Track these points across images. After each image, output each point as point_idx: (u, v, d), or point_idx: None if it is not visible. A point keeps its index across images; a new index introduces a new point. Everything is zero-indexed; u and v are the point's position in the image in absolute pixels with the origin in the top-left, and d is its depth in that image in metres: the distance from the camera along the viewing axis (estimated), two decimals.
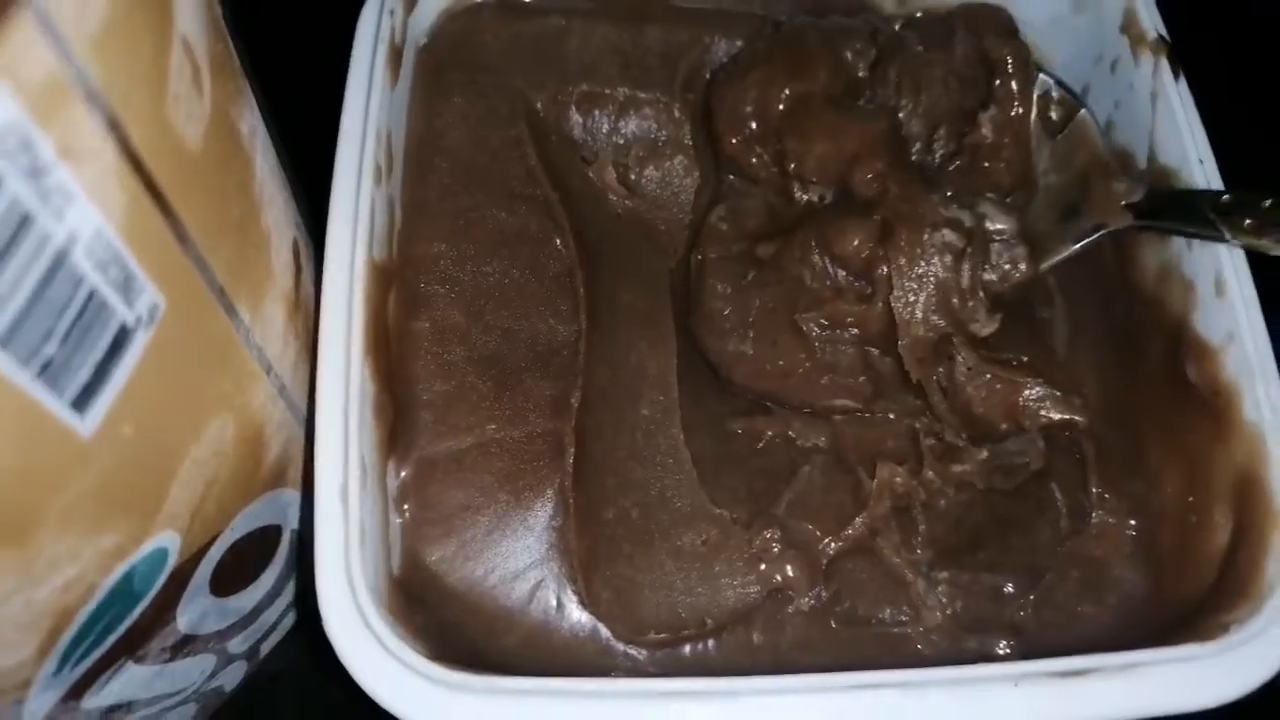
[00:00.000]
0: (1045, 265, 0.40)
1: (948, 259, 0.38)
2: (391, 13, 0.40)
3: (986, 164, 0.41)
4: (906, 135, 0.43)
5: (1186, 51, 0.42)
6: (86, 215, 0.22)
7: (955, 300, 0.38)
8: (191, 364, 0.28)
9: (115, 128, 0.22)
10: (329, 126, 0.38)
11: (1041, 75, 0.43)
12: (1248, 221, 0.34)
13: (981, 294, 0.38)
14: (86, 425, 0.24)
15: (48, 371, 0.22)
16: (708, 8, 0.46)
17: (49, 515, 0.24)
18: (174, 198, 0.25)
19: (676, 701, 0.31)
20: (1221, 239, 0.36)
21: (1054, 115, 0.42)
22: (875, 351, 0.40)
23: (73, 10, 0.20)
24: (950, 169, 0.43)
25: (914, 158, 0.43)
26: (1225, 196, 0.36)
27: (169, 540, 0.30)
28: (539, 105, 0.44)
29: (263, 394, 0.33)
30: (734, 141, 0.43)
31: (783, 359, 0.40)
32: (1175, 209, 0.38)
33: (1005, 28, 0.43)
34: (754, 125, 0.43)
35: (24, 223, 0.20)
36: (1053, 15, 0.46)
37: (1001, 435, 0.38)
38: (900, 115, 0.42)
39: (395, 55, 0.41)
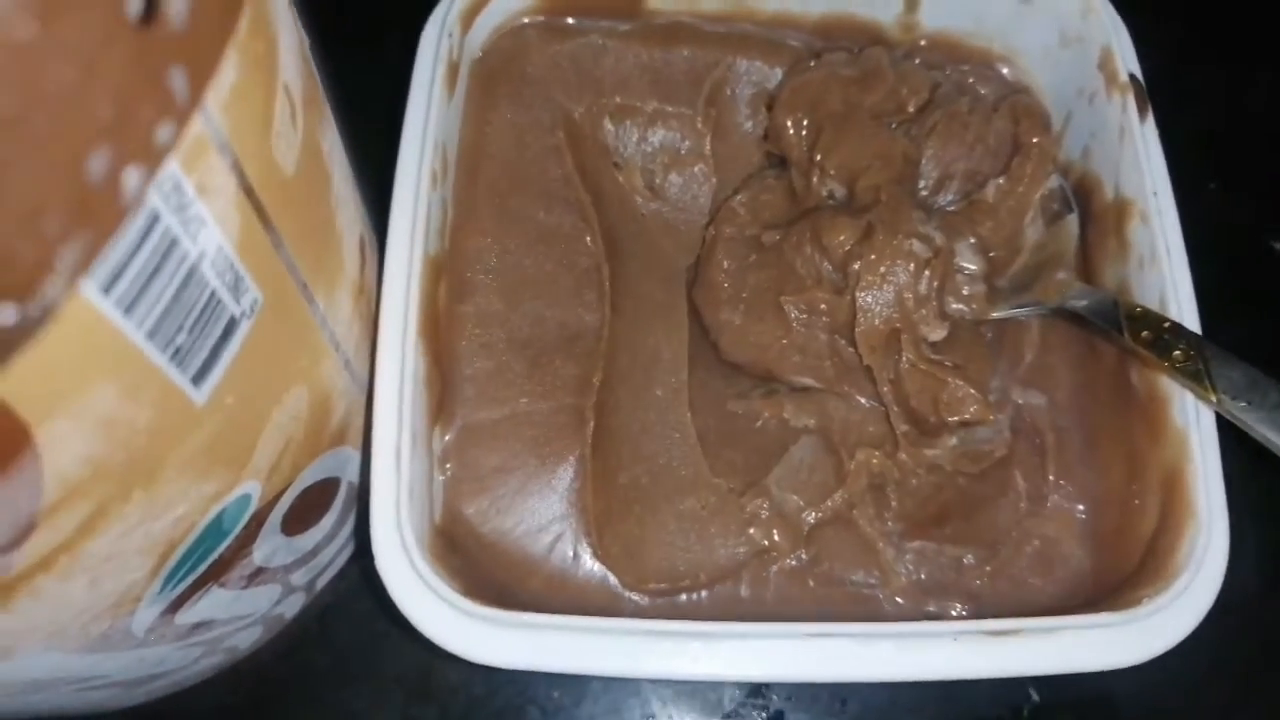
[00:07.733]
0: (992, 315, 0.46)
1: (911, 265, 0.43)
2: (450, 34, 0.46)
3: (979, 219, 0.46)
4: (922, 175, 0.48)
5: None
6: (213, 235, 0.28)
7: (910, 301, 0.43)
8: (279, 345, 0.35)
9: (236, 167, 0.28)
10: (390, 135, 0.44)
11: (1056, 175, 0.48)
12: (1144, 333, 0.41)
13: (935, 303, 0.43)
14: (200, 395, 0.30)
15: (178, 355, 0.28)
16: (731, 32, 0.52)
17: (170, 465, 0.31)
18: (274, 215, 0.31)
19: (668, 640, 0.38)
20: (1122, 341, 0.42)
21: (1056, 207, 0.48)
22: (842, 341, 0.45)
23: (215, 84, 0.26)
24: (948, 210, 0.48)
25: (921, 194, 0.48)
26: (1138, 308, 0.42)
27: (252, 488, 0.37)
28: (576, 115, 0.50)
29: (331, 367, 0.40)
30: (787, 117, 0.49)
31: (763, 334, 0.46)
32: (1096, 307, 0.44)
33: (1042, 121, 0.48)
34: (808, 108, 0.48)
35: (171, 245, 0.26)
36: (1044, 46, 0.51)
37: (932, 428, 0.43)
38: (924, 155, 0.48)
39: (452, 72, 0.46)
